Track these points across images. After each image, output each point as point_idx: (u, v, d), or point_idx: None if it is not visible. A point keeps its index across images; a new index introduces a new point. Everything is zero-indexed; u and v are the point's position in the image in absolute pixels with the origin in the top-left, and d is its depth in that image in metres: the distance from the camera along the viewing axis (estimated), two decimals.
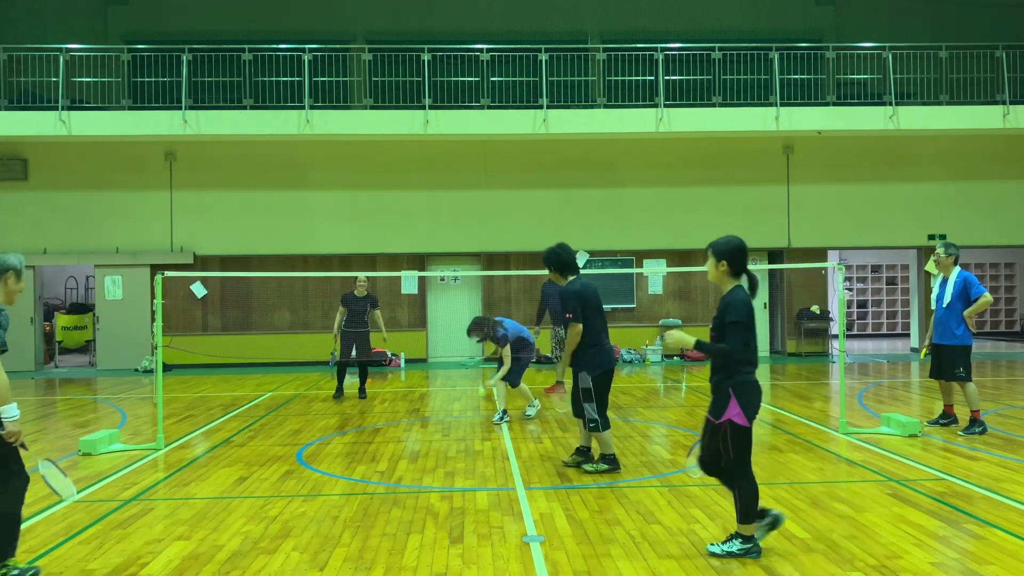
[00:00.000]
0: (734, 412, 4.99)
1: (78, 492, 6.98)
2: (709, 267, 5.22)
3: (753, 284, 5.19)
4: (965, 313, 8.92)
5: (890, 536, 5.50)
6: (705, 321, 18.59)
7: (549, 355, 13.69)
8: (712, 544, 5.25)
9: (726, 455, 5.08)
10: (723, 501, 6.40)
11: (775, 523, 5.17)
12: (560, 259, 7.50)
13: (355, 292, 12.34)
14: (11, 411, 4.68)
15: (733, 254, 5.14)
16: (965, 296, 8.95)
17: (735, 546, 5.12)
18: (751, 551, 5.10)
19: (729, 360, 5.04)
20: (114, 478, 7.50)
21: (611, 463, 7.43)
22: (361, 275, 12.14)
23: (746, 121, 17.05)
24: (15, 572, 4.80)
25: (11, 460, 4.78)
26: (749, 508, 5.09)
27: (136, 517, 6.19)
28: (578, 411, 7.49)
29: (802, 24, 19.53)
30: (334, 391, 12.77)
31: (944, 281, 9.17)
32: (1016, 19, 19.50)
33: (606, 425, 7.32)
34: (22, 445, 4.76)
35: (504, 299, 18.32)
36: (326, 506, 6.47)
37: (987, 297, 8.88)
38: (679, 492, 6.73)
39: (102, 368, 17.57)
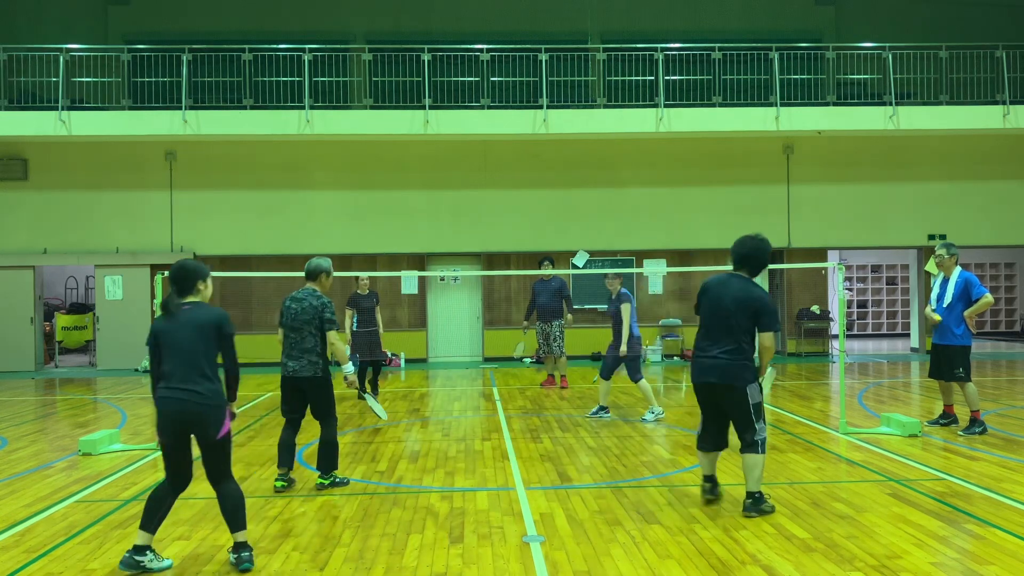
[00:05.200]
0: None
1: (78, 492, 7.01)
2: None
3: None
4: (966, 313, 8.90)
5: (890, 536, 5.50)
6: None
7: (538, 352, 13.64)
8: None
9: None
10: (723, 501, 6.40)
11: None
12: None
13: (359, 291, 12.32)
14: (349, 367, 7.06)
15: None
16: (966, 296, 8.93)
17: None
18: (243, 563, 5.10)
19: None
20: (114, 478, 7.50)
21: None
22: (363, 275, 12.14)
23: (746, 121, 17.03)
24: (338, 480, 7.07)
25: (334, 402, 7.02)
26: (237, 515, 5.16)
27: (136, 517, 6.17)
28: None
29: (802, 24, 19.53)
30: (357, 392, 12.68)
31: (945, 281, 9.15)
32: (1016, 19, 19.51)
33: None
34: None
35: (504, 299, 18.32)
36: (326, 506, 6.47)
37: (988, 298, 8.87)
38: (679, 492, 6.73)
39: (102, 368, 17.56)
